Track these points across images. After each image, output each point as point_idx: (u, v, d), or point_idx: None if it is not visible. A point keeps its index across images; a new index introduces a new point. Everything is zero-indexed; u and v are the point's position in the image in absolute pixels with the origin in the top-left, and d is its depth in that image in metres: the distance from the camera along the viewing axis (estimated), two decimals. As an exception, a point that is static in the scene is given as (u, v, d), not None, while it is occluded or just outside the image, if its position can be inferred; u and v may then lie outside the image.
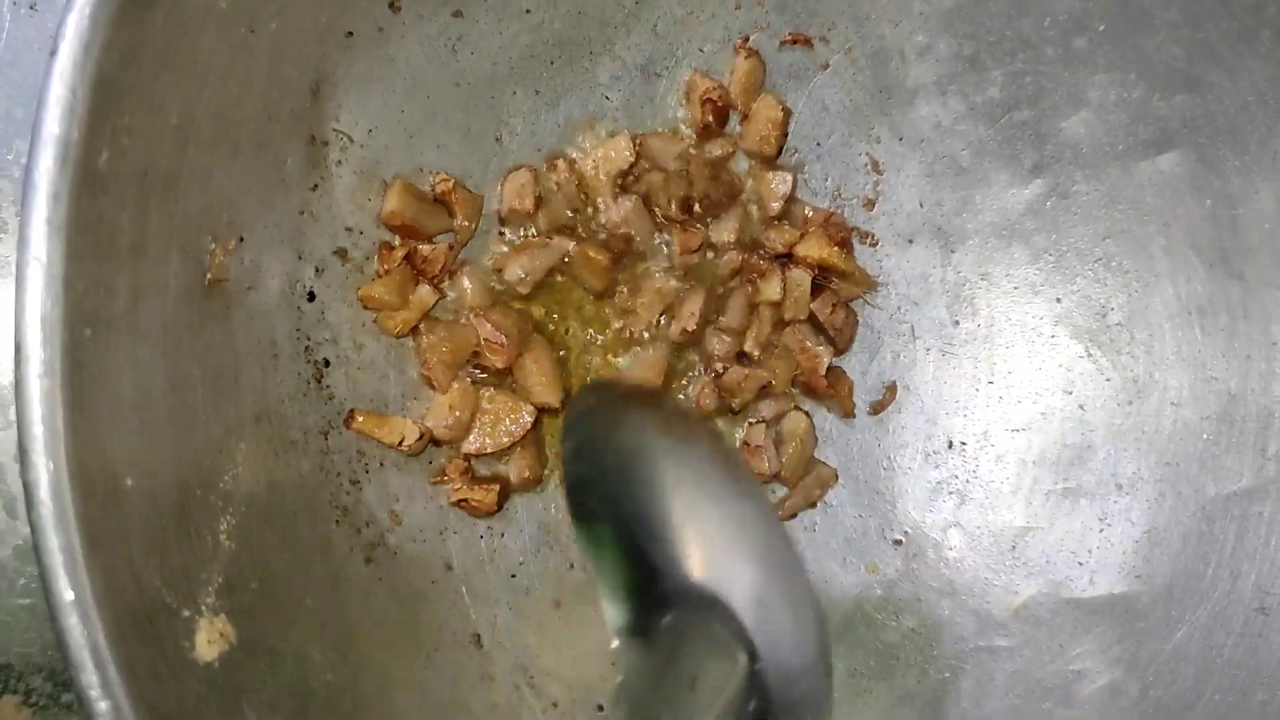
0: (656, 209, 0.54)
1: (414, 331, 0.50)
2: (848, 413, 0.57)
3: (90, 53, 0.29)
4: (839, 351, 0.57)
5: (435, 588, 0.49)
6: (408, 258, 0.48)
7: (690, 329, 0.53)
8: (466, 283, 0.50)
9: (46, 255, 0.28)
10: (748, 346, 0.55)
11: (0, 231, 0.50)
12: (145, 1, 0.30)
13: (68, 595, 0.28)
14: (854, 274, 0.56)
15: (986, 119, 0.56)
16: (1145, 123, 0.54)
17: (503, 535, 0.52)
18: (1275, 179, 0.52)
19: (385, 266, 0.48)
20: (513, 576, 0.52)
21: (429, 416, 0.49)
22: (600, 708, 0.52)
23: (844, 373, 0.57)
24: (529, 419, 0.49)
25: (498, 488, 0.50)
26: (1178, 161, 0.54)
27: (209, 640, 0.36)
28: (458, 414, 0.48)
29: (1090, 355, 0.57)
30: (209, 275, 0.40)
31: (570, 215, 0.54)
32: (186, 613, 0.35)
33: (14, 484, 0.50)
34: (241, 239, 0.42)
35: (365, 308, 0.48)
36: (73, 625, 0.29)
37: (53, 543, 0.28)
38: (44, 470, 0.28)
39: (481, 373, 0.51)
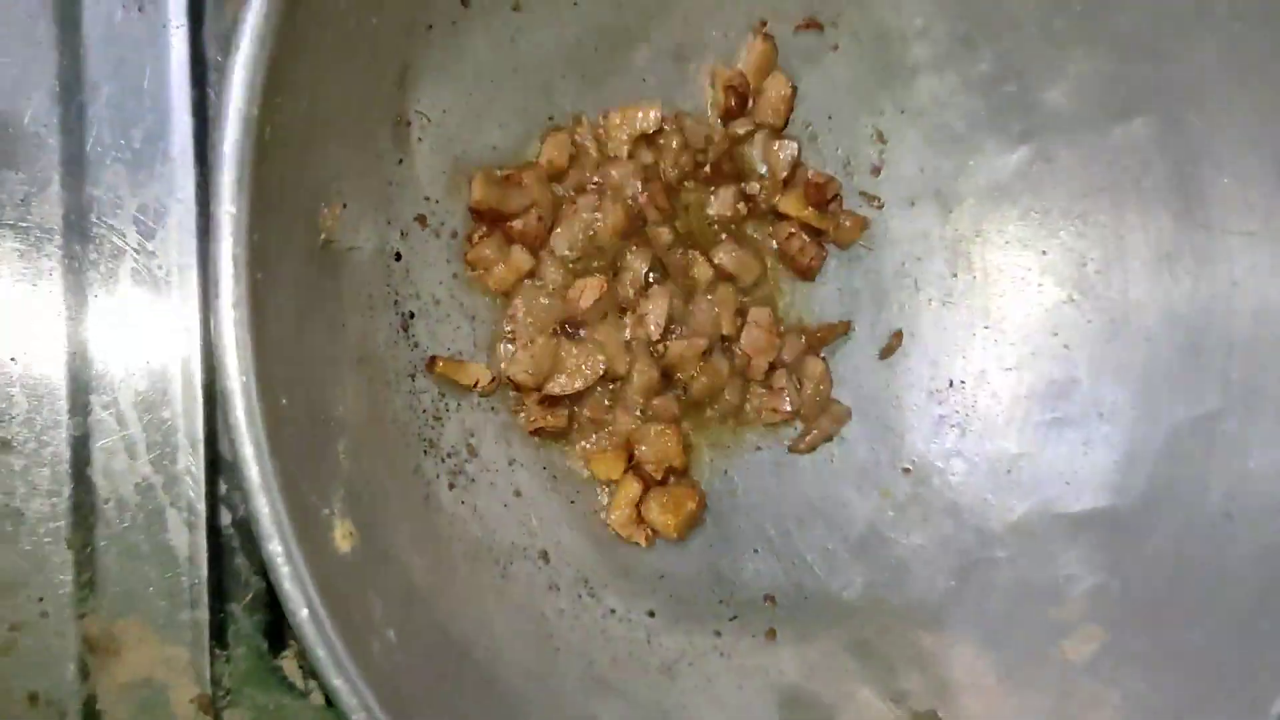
0: (661, 170, 0.61)
1: (508, 292, 0.57)
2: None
3: (265, 46, 0.36)
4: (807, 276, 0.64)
5: (508, 510, 0.56)
6: (504, 232, 0.55)
7: (656, 336, 0.59)
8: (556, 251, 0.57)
9: (237, 208, 0.35)
10: (726, 329, 0.61)
11: (117, 199, 0.57)
12: (295, 3, 0.37)
13: (259, 480, 0.36)
14: (827, 229, 0.63)
15: (979, 92, 0.63)
16: (1117, 91, 0.60)
17: (562, 468, 0.59)
18: (1232, 136, 0.58)
19: (481, 234, 0.55)
20: (571, 502, 0.59)
21: (512, 365, 0.55)
22: (651, 613, 0.59)
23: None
24: (601, 368, 0.56)
25: (567, 412, 0.57)
26: (1146, 125, 0.60)
27: (343, 536, 0.43)
28: (538, 363, 0.55)
29: (1073, 300, 0.63)
30: (322, 236, 0.47)
31: (597, 170, 0.60)
32: (326, 511, 0.42)
33: (134, 429, 0.57)
34: (345, 205, 0.48)
35: (471, 269, 0.55)
36: (263, 505, 0.36)
37: (247, 436, 0.35)
38: (239, 381, 0.35)
39: (558, 333, 0.58)
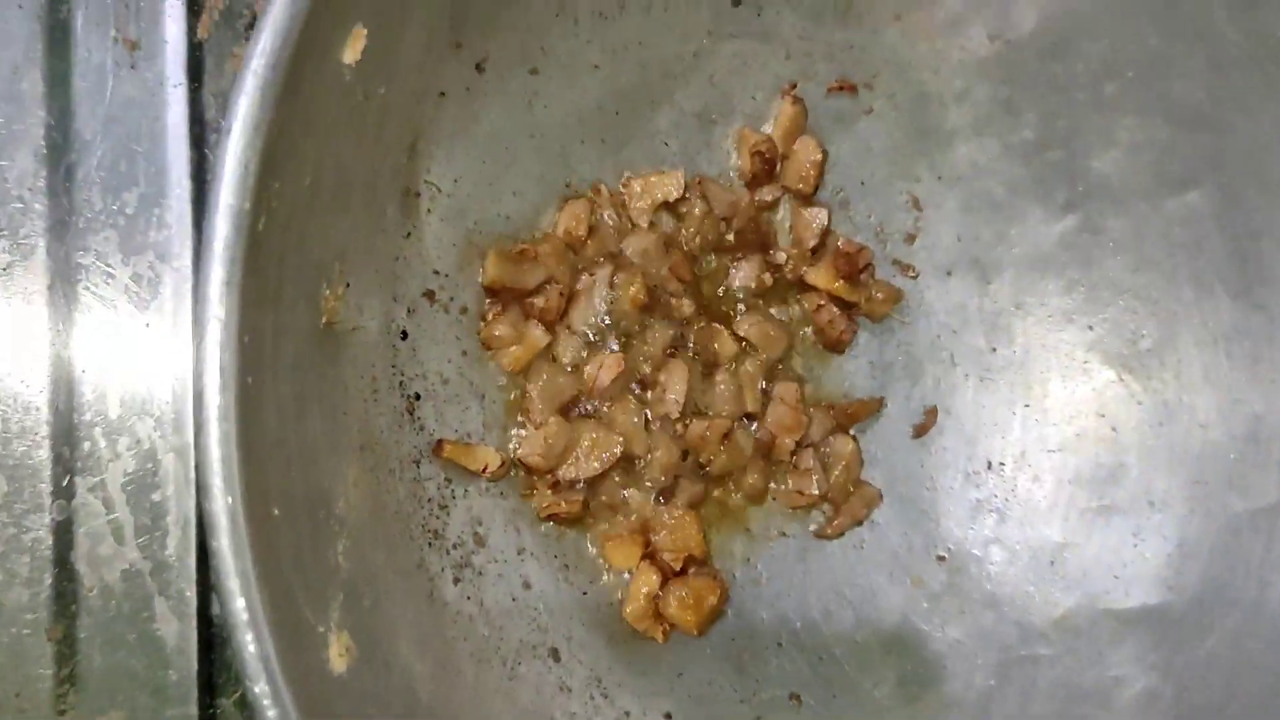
0: (683, 242, 0.58)
1: (523, 371, 0.53)
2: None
3: (259, 130, 0.33)
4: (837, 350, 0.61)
5: (516, 605, 0.53)
6: (521, 308, 0.52)
7: (675, 415, 0.56)
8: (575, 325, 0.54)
9: (225, 312, 0.32)
10: (750, 407, 0.58)
11: (108, 267, 0.53)
12: (297, 79, 0.34)
13: (244, 615, 0.32)
14: (858, 302, 0.60)
15: (1021, 158, 0.60)
16: (1171, 161, 0.57)
17: (574, 556, 0.56)
18: (1294, 215, 0.55)
19: (496, 312, 0.51)
20: (584, 594, 0.56)
21: (524, 446, 0.52)
22: (668, 715, 0.55)
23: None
24: (618, 450, 0.53)
25: (582, 496, 0.53)
26: (1202, 198, 0.57)
27: (339, 654, 0.39)
28: (551, 445, 0.52)
29: (1122, 380, 0.60)
30: (324, 318, 0.44)
31: (616, 241, 0.57)
32: (321, 628, 0.38)
33: (121, 512, 0.53)
34: (349, 284, 0.45)
35: (486, 348, 0.52)
36: (248, 641, 0.32)
37: (231, 567, 0.32)
38: (224, 503, 0.32)
39: (574, 411, 0.54)
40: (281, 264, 0.37)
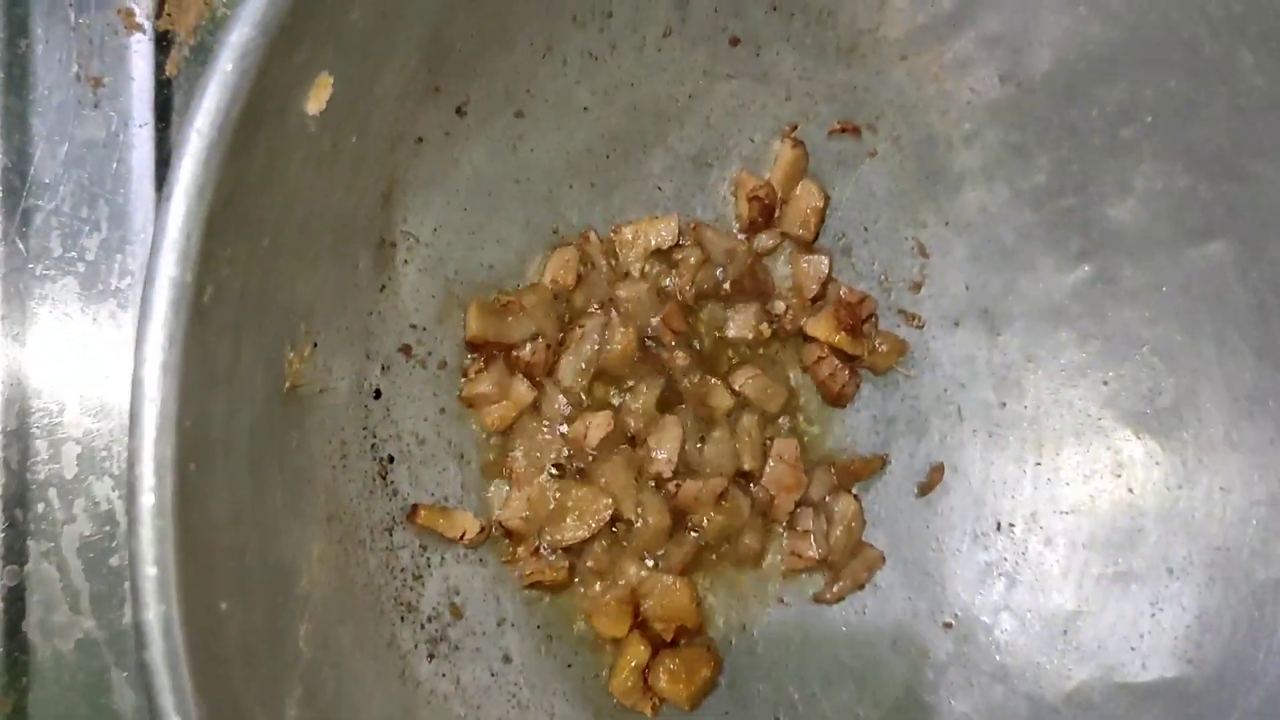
0: (678, 291, 0.55)
1: (507, 430, 0.50)
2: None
3: (204, 195, 0.30)
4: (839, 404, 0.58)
5: (495, 681, 0.50)
6: (506, 362, 0.49)
7: (667, 474, 0.53)
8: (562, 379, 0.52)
9: (161, 398, 0.29)
10: (747, 465, 0.55)
11: (67, 316, 0.50)
12: (252, 135, 0.31)
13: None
14: (861, 355, 0.57)
15: (1032, 205, 0.57)
16: (1191, 211, 0.54)
17: (558, 626, 0.53)
18: (1322, 268, 0.52)
19: (478, 368, 0.49)
20: (568, 666, 0.52)
21: (506, 509, 0.49)
22: (660, 799, 0.52)
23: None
24: (607, 513, 0.50)
25: (568, 563, 0.50)
26: (1224, 249, 0.54)
27: (293, 755, 0.36)
28: (535, 508, 0.49)
29: (1139, 438, 0.57)
30: (287, 383, 0.40)
31: (607, 290, 0.54)
32: (274, 729, 0.35)
33: (76, 578, 0.50)
34: (316, 344, 0.42)
35: (467, 406, 0.49)
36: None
37: (164, 682, 0.29)
38: (156, 612, 0.28)
39: (559, 473, 0.51)
40: (237, 333, 0.34)
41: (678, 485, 0.54)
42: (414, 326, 0.49)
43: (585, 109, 0.51)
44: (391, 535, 0.47)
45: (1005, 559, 0.58)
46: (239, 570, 0.34)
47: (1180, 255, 0.55)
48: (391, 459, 0.47)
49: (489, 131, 0.48)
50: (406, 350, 0.48)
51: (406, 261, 0.47)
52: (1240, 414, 0.55)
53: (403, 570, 0.47)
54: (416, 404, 0.49)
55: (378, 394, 0.47)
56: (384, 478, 0.47)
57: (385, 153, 0.43)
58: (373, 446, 0.47)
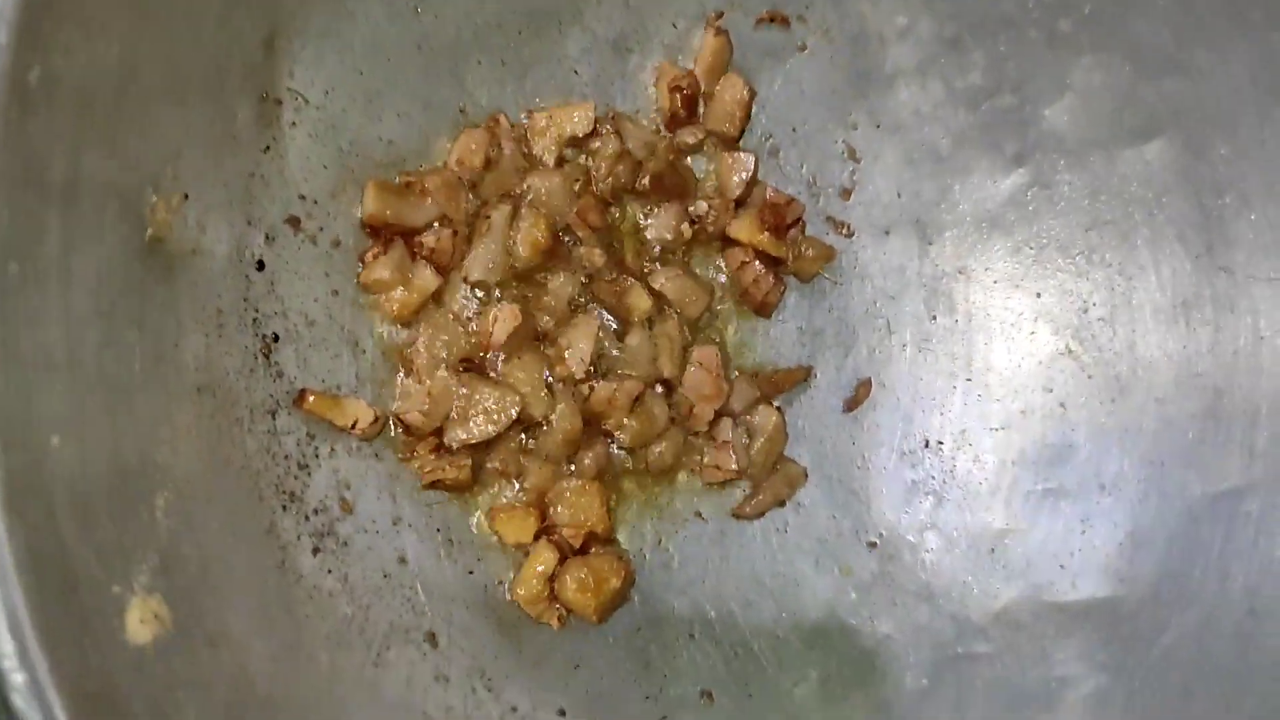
0: (594, 184, 0.52)
1: (408, 319, 0.47)
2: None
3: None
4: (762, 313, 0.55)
5: (388, 582, 0.46)
6: (410, 247, 0.47)
7: (579, 375, 0.50)
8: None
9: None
10: (666, 371, 0.52)
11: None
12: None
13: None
14: (786, 259, 0.54)
15: (967, 105, 0.55)
16: (1131, 109, 0.53)
17: (460, 529, 0.49)
18: (1264, 166, 0.50)
19: (375, 251, 0.45)
20: (470, 573, 0.49)
21: (404, 401, 0.46)
22: (562, 712, 0.49)
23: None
24: (515, 411, 0.47)
25: (470, 461, 0.47)
26: (1164, 149, 0.53)
27: (141, 620, 0.32)
28: (436, 402, 0.46)
29: (1071, 351, 0.55)
30: (150, 231, 0.37)
31: (518, 179, 0.51)
32: (117, 588, 0.32)
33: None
34: (187, 196, 0.39)
35: (365, 292, 0.46)
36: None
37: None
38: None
39: (464, 368, 0.48)
40: (76, 147, 0.31)
41: (590, 387, 0.51)
42: (303, 198, 0.45)
43: (495, -26, 0.48)
44: (275, 419, 0.44)
45: (933, 477, 0.56)
46: (78, 412, 0.30)
47: (1118, 156, 0.54)
48: (277, 337, 0.44)
49: (389, -16, 0.45)
50: (294, 222, 0.45)
51: (294, 124, 0.44)
52: (1175, 322, 0.54)
53: (286, 458, 0.44)
54: (306, 282, 0.45)
55: (261, 265, 0.43)
56: (267, 356, 0.44)
57: (267, -11, 0.40)
58: (255, 321, 0.43)
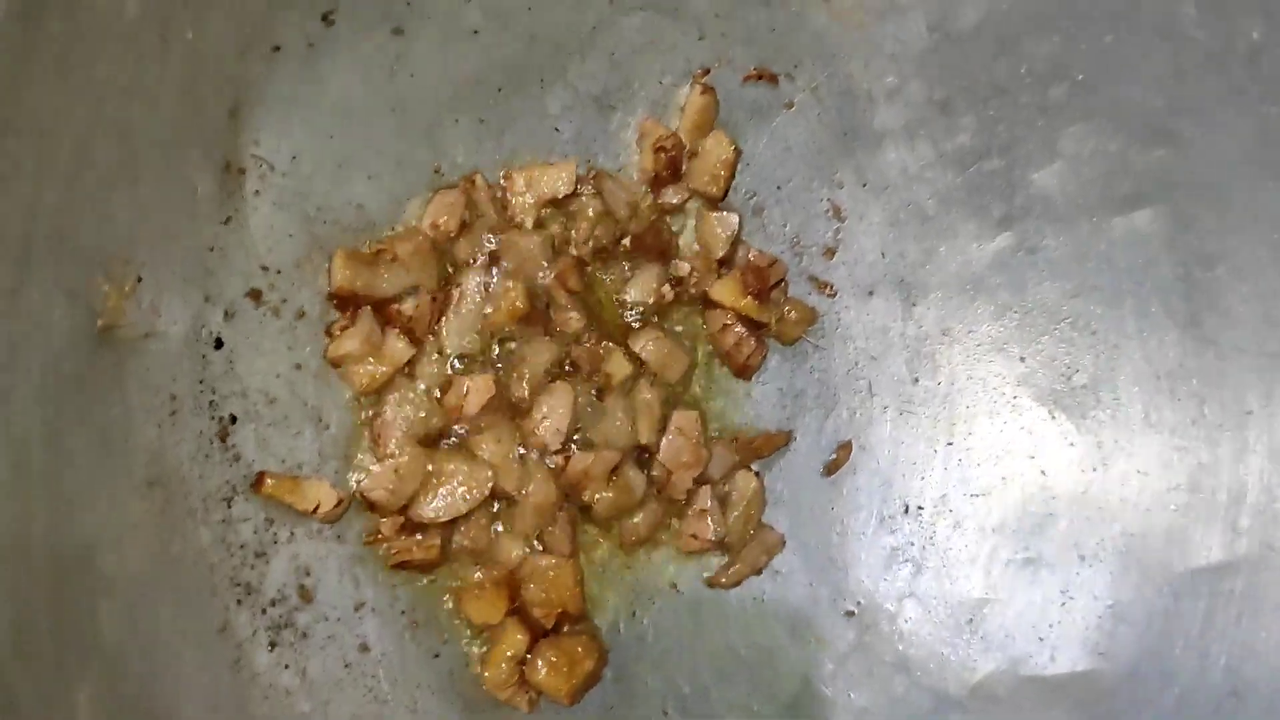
0: (574, 245, 0.50)
1: (377, 392, 0.45)
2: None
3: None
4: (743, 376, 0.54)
5: (349, 673, 0.44)
6: (382, 315, 0.44)
7: (555, 446, 0.49)
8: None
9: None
10: (644, 438, 0.51)
11: None
12: (36, 8, 0.25)
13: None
14: (769, 324, 0.53)
15: (955, 166, 0.54)
16: (1121, 177, 0.52)
17: (425, 611, 0.47)
18: (1254, 241, 0.50)
19: (344, 324, 0.43)
20: (435, 656, 0.47)
21: (369, 480, 0.44)
22: (535, 806, 0.47)
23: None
24: (488, 487, 0.44)
25: (439, 540, 0.45)
26: (1153, 219, 0.52)
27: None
28: (403, 479, 0.43)
29: (1054, 418, 0.54)
30: (100, 321, 0.34)
31: (493, 243, 0.49)
32: (59, 716, 0.29)
33: None
34: (140, 279, 0.36)
35: (333, 366, 0.44)
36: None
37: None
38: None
39: (434, 442, 0.46)
40: (24, 253, 0.28)
41: (566, 458, 0.49)
42: (266, 269, 0.43)
43: (475, 32, 0.46)
44: (230, 506, 0.41)
45: (912, 543, 0.55)
46: (19, 524, 0.28)
47: (1106, 224, 0.53)
48: (234, 419, 0.42)
49: (361, 48, 0.43)
50: (256, 295, 0.43)
51: (258, 192, 0.42)
52: (1160, 393, 0.53)
53: (242, 547, 0.42)
54: (267, 358, 0.43)
55: (219, 344, 0.41)
56: (224, 440, 0.41)
57: (231, 59, 0.38)
58: (211, 404, 0.41)
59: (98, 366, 0.35)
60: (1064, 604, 0.53)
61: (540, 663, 0.47)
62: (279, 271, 0.43)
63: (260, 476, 0.42)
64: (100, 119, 0.31)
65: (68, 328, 0.32)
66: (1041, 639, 0.53)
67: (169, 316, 0.38)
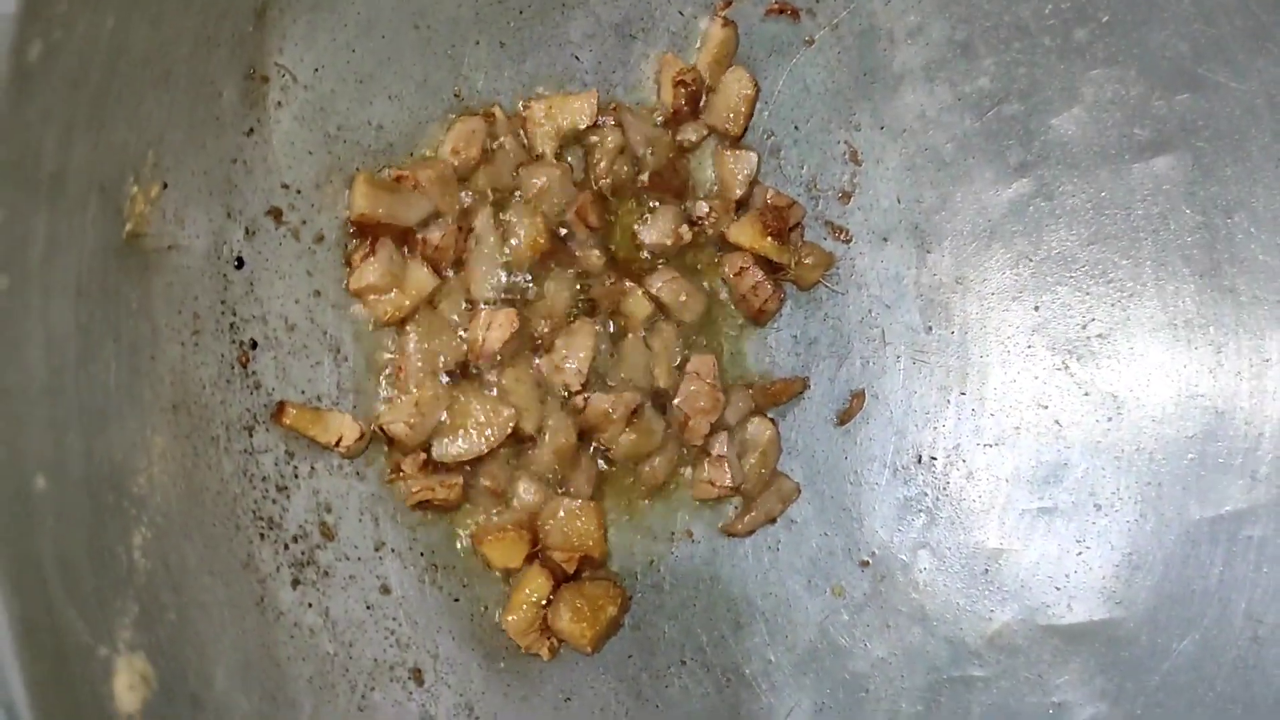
0: (593, 180, 0.48)
1: (399, 323, 0.43)
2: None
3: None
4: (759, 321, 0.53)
5: (371, 615, 0.42)
6: (406, 243, 0.42)
7: (575, 387, 0.47)
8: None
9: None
10: (661, 381, 0.50)
11: None
12: None
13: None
14: (787, 266, 0.52)
15: (974, 110, 0.53)
16: (1142, 123, 0.51)
17: (445, 553, 0.45)
18: (1275, 189, 0.50)
19: (364, 253, 0.41)
20: (455, 601, 0.46)
21: (389, 413, 0.41)
22: (554, 751, 0.46)
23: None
24: (510, 426, 0.43)
25: (461, 479, 0.43)
26: (1173, 165, 0.51)
27: (130, 685, 0.28)
28: (424, 414, 0.41)
29: (1068, 368, 0.54)
30: (128, 226, 0.32)
31: (514, 176, 0.47)
32: (104, 650, 0.27)
33: None
34: (166, 185, 0.34)
35: (354, 296, 0.42)
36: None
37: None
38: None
39: (455, 377, 0.44)
40: (69, 133, 0.26)
41: (585, 399, 0.47)
42: (286, 187, 0.41)
43: (500, -50, 0.44)
44: (252, 436, 0.39)
45: (925, 494, 0.54)
46: (60, 444, 0.26)
47: (1125, 171, 0.52)
48: (255, 344, 0.39)
49: (388, -43, 0.40)
50: (277, 214, 0.40)
51: (280, 104, 0.39)
52: (1178, 342, 0.53)
53: (264, 479, 0.40)
54: (286, 281, 0.41)
55: (240, 263, 0.39)
56: (245, 366, 0.39)
57: (263, -45, 0.35)
58: (232, 326, 0.39)
59: (125, 277, 0.32)
60: (1080, 553, 0.52)
61: (563, 608, 0.46)
62: (299, 191, 0.41)
63: (281, 406, 0.40)
64: (137, 3, 0.29)
65: (100, 232, 0.30)
66: (1058, 588, 0.52)
67: (192, 229, 0.35)
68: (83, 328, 0.29)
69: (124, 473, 0.31)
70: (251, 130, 0.38)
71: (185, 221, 0.35)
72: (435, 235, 0.42)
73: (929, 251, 0.54)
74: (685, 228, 0.51)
